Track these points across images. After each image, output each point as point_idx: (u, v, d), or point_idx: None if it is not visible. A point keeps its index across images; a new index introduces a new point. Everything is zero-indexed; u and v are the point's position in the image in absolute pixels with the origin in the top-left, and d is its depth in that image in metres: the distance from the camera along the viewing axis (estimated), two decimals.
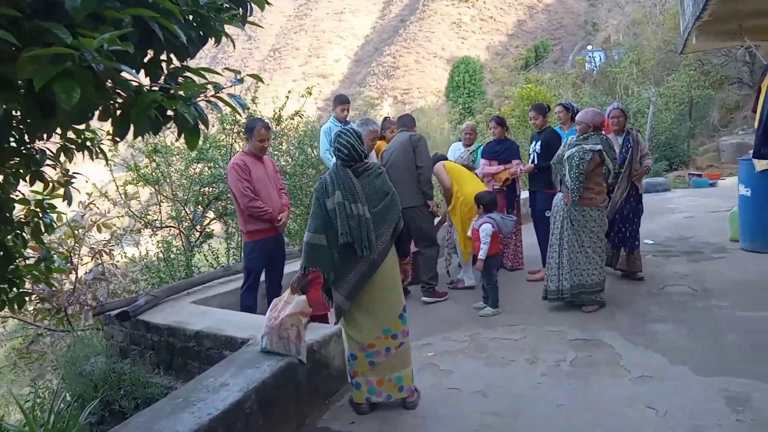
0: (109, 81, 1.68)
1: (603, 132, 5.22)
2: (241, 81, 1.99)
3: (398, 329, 3.50)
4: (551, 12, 65.42)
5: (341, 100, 6.41)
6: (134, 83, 1.74)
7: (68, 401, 4.73)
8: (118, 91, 1.75)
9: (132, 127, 1.80)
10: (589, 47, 41.46)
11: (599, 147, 4.99)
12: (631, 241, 5.77)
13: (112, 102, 1.80)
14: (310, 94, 6.87)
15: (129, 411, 4.29)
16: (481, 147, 7.14)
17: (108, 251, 6.61)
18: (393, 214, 3.46)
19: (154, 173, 6.19)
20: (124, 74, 1.71)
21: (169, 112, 1.82)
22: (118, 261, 7.23)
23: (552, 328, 4.74)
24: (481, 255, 5.18)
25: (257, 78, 2.05)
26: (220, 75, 2.01)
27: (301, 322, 3.43)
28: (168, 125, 1.87)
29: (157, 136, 6.37)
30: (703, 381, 3.63)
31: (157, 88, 1.81)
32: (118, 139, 1.88)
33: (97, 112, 1.83)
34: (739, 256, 6.49)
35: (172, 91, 1.82)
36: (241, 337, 3.85)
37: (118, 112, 1.82)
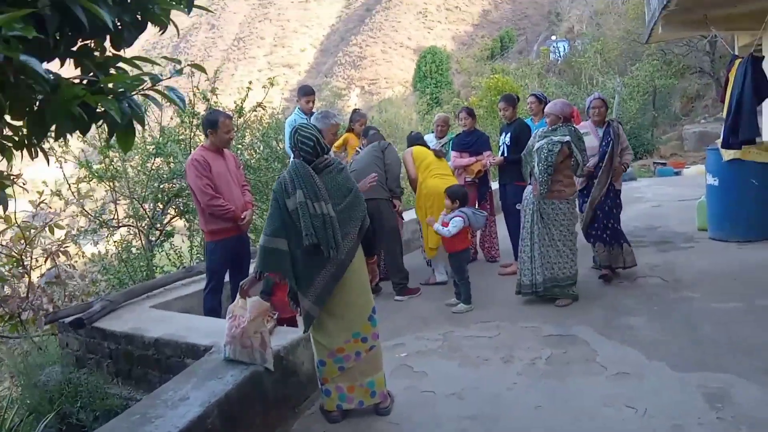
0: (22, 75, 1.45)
1: (572, 123, 5.13)
2: (181, 72, 1.77)
3: (368, 332, 3.34)
4: (516, 2, 65.55)
5: (306, 92, 6.19)
6: (53, 76, 1.51)
7: (22, 414, 4.48)
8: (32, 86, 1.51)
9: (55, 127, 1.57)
10: (553, 37, 41.61)
11: (567, 138, 4.91)
12: (623, 234, 5.52)
13: (27, 99, 1.57)
14: (272, 84, 6.62)
15: (87, 424, 4.06)
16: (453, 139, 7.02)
17: (64, 251, 6.29)
18: (358, 212, 3.28)
19: (108, 170, 5.88)
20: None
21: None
22: (76, 261, 6.90)
23: (526, 324, 4.65)
24: (438, 228, 5.10)
25: (199, 68, 1.84)
26: (159, 65, 1.80)
27: (264, 327, 3.24)
28: (99, 123, 1.66)
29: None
30: (680, 377, 3.57)
31: (84, 82, 1.59)
32: (36, 141, 1.66)
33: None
34: (707, 245, 6.50)
35: (102, 85, 1.60)
36: (204, 344, 3.65)
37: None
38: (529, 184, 5.22)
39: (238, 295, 3.39)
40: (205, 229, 4.62)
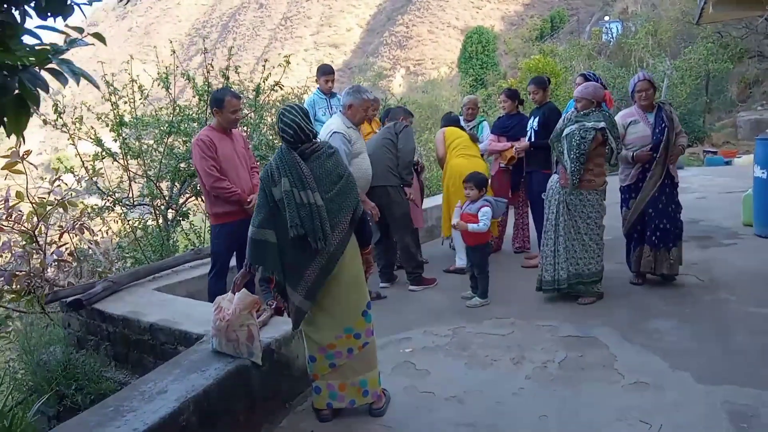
0: None
1: (606, 107, 4.77)
2: (73, 42, 1.56)
3: (362, 328, 3.13)
4: None
5: (325, 71, 5.97)
6: None
7: (24, 393, 4.47)
8: None
9: None
10: (606, 18, 40.19)
11: (602, 124, 4.56)
12: (674, 235, 4.80)
13: None
14: (288, 63, 6.41)
15: (84, 406, 4.00)
16: (484, 122, 6.72)
17: (88, 227, 6.27)
18: (350, 200, 3.04)
19: (122, 148, 5.80)
20: None
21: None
22: (101, 237, 6.90)
23: (543, 323, 4.36)
24: (473, 227, 4.76)
25: (99, 38, 1.62)
26: (66, 33, 1.58)
27: (253, 319, 3.07)
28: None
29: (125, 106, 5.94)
30: (705, 390, 3.25)
31: None
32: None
33: None
34: (752, 242, 6.04)
35: None
36: (196, 333, 3.52)
37: None
38: (555, 172, 4.90)
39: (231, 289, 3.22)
40: (210, 212, 4.49)
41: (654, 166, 4.74)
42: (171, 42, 6.07)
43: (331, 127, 4.80)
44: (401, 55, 68.33)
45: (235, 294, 3.09)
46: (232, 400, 2.98)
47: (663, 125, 4.71)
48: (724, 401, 3.12)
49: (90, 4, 1.83)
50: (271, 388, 3.26)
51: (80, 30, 1.58)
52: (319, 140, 3.12)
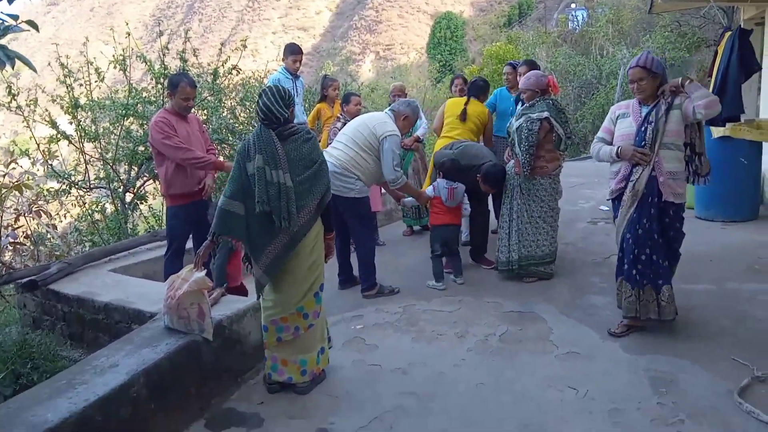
0: None
1: (550, 95, 4.96)
2: (7, 29, 1.64)
3: (311, 309, 3.29)
4: None
5: (293, 50, 5.95)
6: None
7: None
8: None
9: None
10: (573, 5, 40.68)
11: (546, 114, 4.74)
12: (655, 272, 3.73)
13: None
14: (245, 47, 6.46)
15: None
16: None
17: (45, 211, 6.27)
18: (320, 185, 3.19)
19: (77, 130, 5.80)
20: None
21: None
22: (59, 221, 6.88)
23: (490, 300, 4.57)
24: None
25: (32, 25, 1.71)
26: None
27: (203, 298, 3.19)
28: None
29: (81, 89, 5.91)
30: (631, 359, 3.50)
31: None
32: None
33: None
34: (691, 224, 6.19)
35: None
36: (150, 311, 3.62)
37: None
38: (511, 159, 5.09)
39: (187, 267, 3.33)
40: (166, 194, 4.54)
41: (635, 171, 3.71)
42: (127, 23, 6.07)
43: (391, 127, 4.72)
44: (371, 40, 68.06)
45: (191, 271, 3.20)
46: (183, 374, 3.11)
47: (650, 122, 3.65)
48: (648, 369, 3.37)
49: None
50: (223, 363, 3.38)
51: (15, 17, 1.67)
52: (297, 124, 3.24)
